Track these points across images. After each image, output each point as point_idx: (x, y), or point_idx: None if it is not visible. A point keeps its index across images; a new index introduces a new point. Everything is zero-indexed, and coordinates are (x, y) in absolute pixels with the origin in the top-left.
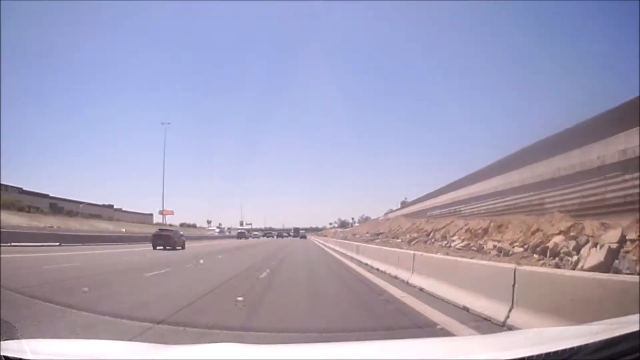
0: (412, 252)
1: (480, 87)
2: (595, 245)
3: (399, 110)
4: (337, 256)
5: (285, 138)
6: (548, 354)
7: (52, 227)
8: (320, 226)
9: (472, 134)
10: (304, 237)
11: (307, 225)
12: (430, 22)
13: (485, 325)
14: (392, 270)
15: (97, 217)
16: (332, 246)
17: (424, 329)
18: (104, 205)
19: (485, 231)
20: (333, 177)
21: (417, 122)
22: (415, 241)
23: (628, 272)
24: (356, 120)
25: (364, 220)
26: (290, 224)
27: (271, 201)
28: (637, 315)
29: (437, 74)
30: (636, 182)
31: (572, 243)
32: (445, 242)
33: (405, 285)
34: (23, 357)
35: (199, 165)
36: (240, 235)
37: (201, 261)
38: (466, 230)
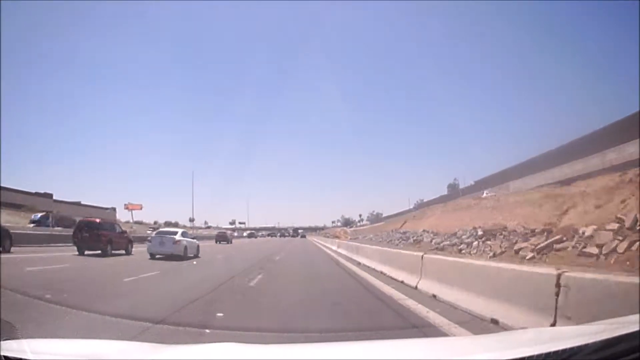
0: None
1: (480, 86)
2: None
3: (400, 106)
4: None
5: (283, 136)
6: (548, 354)
7: None
8: (320, 225)
9: (473, 131)
10: (303, 236)
11: (307, 225)
12: (432, 23)
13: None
14: None
15: (17, 207)
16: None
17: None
18: (38, 194)
19: None
20: (333, 175)
21: (419, 118)
22: None
23: None
24: (356, 118)
25: (375, 216)
26: (286, 223)
27: (268, 200)
28: (637, 315)
29: (437, 73)
30: None
31: None
32: None
33: None
34: (23, 357)
35: (192, 163)
36: (250, 235)
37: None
38: None
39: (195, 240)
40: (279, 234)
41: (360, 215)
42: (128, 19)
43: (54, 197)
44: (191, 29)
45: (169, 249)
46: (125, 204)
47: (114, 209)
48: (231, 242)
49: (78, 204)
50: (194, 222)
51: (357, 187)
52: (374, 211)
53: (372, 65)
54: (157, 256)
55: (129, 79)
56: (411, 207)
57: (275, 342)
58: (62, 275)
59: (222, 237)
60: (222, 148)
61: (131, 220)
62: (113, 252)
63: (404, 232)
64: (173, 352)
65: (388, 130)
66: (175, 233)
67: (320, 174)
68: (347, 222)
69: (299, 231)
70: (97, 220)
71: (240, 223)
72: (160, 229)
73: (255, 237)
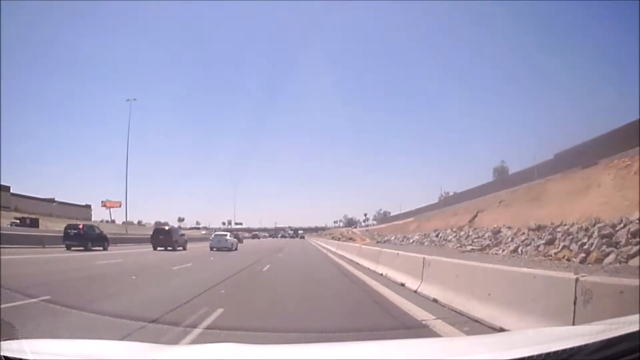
0: None
1: (479, 87)
2: None
3: (400, 106)
4: None
5: (281, 136)
6: (548, 354)
7: None
8: (321, 225)
9: (472, 129)
10: (302, 237)
11: (306, 225)
12: (433, 24)
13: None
14: None
15: None
16: None
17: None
18: None
19: None
20: (333, 174)
21: (419, 118)
22: None
23: None
24: (355, 117)
25: (382, 215)
26: (285, 224)
27: (265, 200)
28: (637, 315)
29: (435, 71)
30: None
31: None
32: None
33: None
34: (23, 357)
35: (189, 164)
36: (254, 236)
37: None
38: None
39: (235, 239)
40: (280, 235)
41: (365, 215)
42: (121, 17)
43: (12, 191)
44: (189, 28)
45: (224, 244)
46: (102, 201)
47: (88, 207)
48: (242, 242)
49: (51, 200)
50: (184, 221)
51: (359, 187)
52: (380, 209)
53: (372, 63)
54: (214, 248)
55: (126, 77)
56: (435, 201)
57: (275, 343)
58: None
59: (236, 237)
60: (218, 146)
61: (109, 219)
62: (177, 248)
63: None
64: (173, 352)
65: (389, 129)
66: (226, 235)
67: (320, 173)
68: (351, 222)
69: (299, 232)
70: (167, 227)
71: (236, 224)
72: (216, 233)
73: (259, 238)
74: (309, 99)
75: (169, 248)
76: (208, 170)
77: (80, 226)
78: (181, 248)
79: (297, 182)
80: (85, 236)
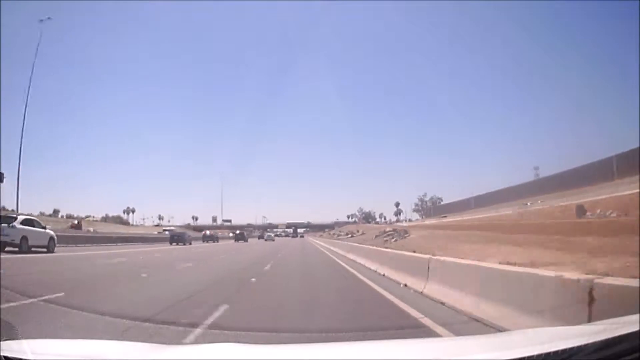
0: None
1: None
2: None
3: (406, 100)
4: None
5: (279, 132)
6: (548, 354)
7: None
8: (329, 222)
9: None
10: (302, 236)
11: (314, 221)
12: (432, 24)
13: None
14: None
15: None
16: None
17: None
18: None
19: None
20: (340, 168)
21: (432, 111)
22: None
23: None
24: (360, 111)
25: (432, 204)
26: (281, 220)
27: (262, 196)
28: (637, 315)
29: (438, 68)
30: None
31: None
32: None
33: None
34: (23, 357)
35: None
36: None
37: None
38: None
39: (275, 235)
40: (284, 234)
41: (397, 206)
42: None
43: None
44: (194, 31)
45: (270, 238)
46: None
47: None
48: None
49: None
50: (133, 213)
51: (372, 181)
52: (424, 194)
53: (372, 59)
54: (264, 240)
55: (125, 76)
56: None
57: (275, 342)
58: (252, 244)
59: (262, 235)
60: (214, 142)
61: None
62: (246, 241)
63: None
64: (173, 352)
65: (394, 122)
66: (271, 234)
67: (323, 167)
68: (368, 217)
69: (298, 230)
70: (238, 231)
71: (225, 221)
72: (268, 233)
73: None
74: (310, 96)
75: (241, 241)
76: (200, 166)
77: None
78: (247, 241)
79: (297, 176)
80: None
